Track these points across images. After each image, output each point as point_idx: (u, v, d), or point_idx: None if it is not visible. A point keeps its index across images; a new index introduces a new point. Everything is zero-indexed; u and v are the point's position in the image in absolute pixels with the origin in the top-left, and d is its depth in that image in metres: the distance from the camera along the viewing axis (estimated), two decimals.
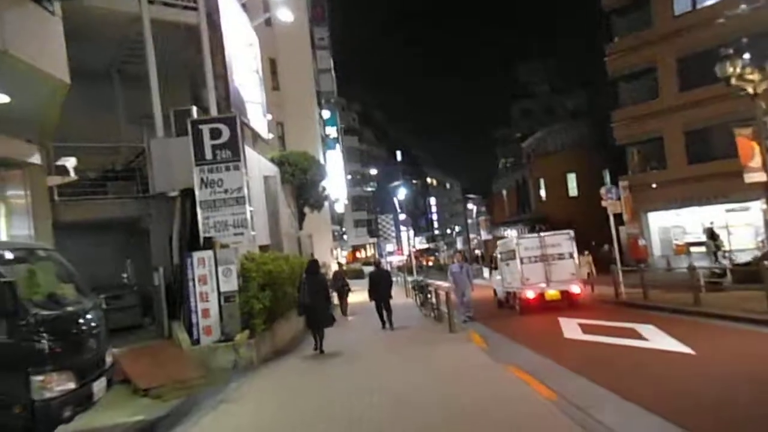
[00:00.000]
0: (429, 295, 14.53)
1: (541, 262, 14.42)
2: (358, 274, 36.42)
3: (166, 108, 12.32)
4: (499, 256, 16.69)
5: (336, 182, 29.34)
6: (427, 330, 12.66)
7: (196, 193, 10.39)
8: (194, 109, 11.68)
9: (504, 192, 51.73)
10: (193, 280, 9.94)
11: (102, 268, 12.52)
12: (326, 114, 30.23)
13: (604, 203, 17.21)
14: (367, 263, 57.67)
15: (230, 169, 10.44)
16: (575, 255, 15.28)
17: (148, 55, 11.57)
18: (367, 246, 73.00)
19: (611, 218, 17.00)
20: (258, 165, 14.76)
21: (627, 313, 13.06)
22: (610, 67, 30.36)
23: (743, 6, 14.22)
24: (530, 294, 14.26)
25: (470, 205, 41.00)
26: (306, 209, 20.27)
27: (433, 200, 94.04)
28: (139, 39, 11.88)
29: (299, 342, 12.80)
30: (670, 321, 10.81)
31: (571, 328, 11.19)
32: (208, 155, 10.40)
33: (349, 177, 68.35)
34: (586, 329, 10.68)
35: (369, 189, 75.09)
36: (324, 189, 19.52)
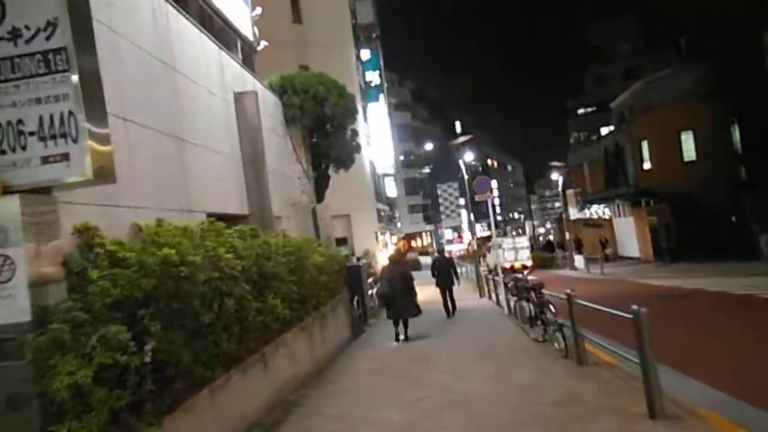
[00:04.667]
0: (549, 308, 7.35)
1: (514, 250, 24.92)
2: (415, 265, 29.79)
3: None
4: (492, 245, 22.75)
5: (381, 145, 22.40)
6: (570, 395, 5.53)
7: None
8: None
9: (585, 165, 43.08)
10: None
11: None
12: (365, 55, 23.19)
13: None
14: (423, 252, 50.72)
15: None
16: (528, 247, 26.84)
17: None
18: (423, 234, 66.02)
19: None
20: (218, 64, 8.04)
21: None
22: None
23: None
24: (507, 265, 22.13)
25: (554, 176, 33.02)
26: (331, 170, 13.46)
27: (494, 183, 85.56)
28: None
29: (292, 406, 6.05)
30: None
31: None
32: None
33: (402, 158, 61.52)
34: None
35: (424, 171, 67.98)
36: (355, 134, 12.60)
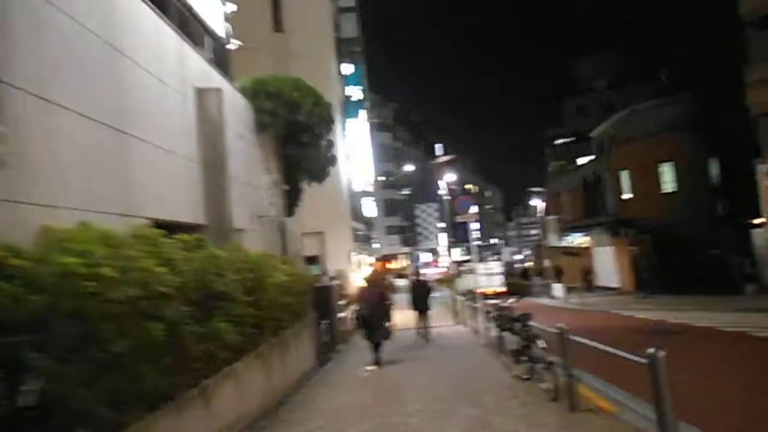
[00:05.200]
0: (537, 342, 6.52)
1: (486, 276, 24.48)
2: (394, 290, 28.88)
3: None
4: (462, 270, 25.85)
5: (360, 162, 21.65)
6: None
7: None
8: None
9: (563, 194, 43.02)
10: None
11: None
12: (348, 69, 22.53)
13: None
14: (400, 275, 49.88)
15: None
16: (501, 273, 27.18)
17: None
18: (400, 256, 65.23)
19: None
20: (177, 54, 7.19)
21: None
22: (742, 9, 21.95)
23: None
24: (481, 290, 19.11)
25: (533, 201, 32.66)
26: (306, 184, 12.63)
27: (474, 208, 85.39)
28: None
29: None
30: None
31: None
32: None
33: (382, 178, 60.96)
34: None
35: (404, 193, 67.50)
36: (331, 145, 11.80)
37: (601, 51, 69.77)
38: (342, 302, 17.33)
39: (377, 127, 60.12)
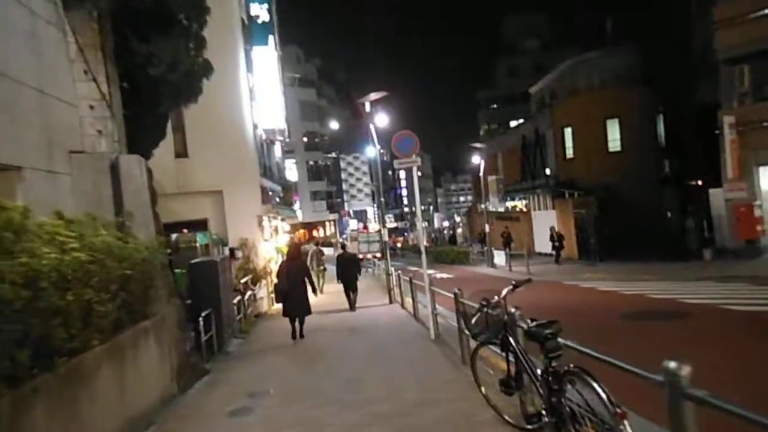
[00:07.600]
0: (587, 381, 3.08)
1: (367, 243, 24.70)
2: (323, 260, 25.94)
3: None
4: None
5: (269, 103, 17.23)
6: None
7: None
8: None
9: (499, 155, 40.50)
10: None
11: None
12: None
13: None
14: (326, 243, 46.15)
15: None
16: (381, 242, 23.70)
17: None
18: (327, 224, 61.25)
19: None
20: None
21: None
22: None
23: None
24: (360, 255, 21.96)
25: (476, 159, 29.67)
26: (170, 106, 8.46)
27: (403, 173, 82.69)
28: None
29: None
30: None
31: None
32: None
33: (305, 139, 56.17)
34: None
35: (330, 156, 63.07)
36: (202, 43, 7.59)
37: (533, 10, 67.97)
38: (244, 280, 13.47)
39: (300, 83, 54.95)
